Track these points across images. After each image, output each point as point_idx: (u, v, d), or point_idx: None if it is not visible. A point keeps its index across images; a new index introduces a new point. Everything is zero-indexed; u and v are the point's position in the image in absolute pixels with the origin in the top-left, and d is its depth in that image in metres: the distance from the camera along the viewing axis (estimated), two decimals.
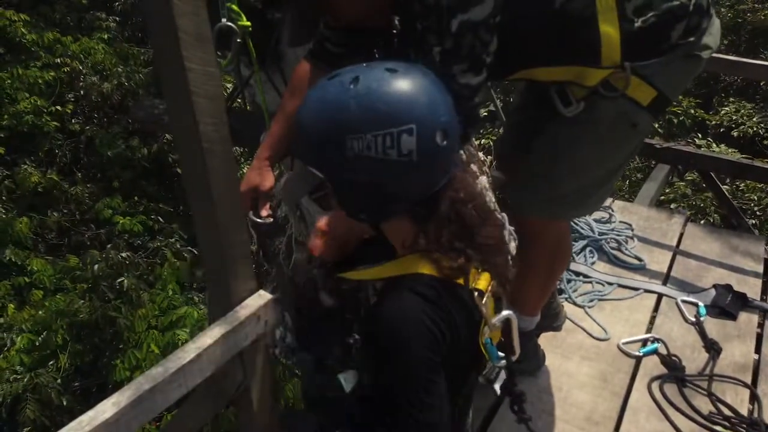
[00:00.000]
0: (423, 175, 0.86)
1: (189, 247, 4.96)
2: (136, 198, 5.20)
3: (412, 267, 0.88)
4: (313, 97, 0.86)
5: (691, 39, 1.13)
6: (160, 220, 5.16)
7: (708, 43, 1.16)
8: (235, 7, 1.24)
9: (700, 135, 5.20)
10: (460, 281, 0.89)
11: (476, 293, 0.88)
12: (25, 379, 3.23)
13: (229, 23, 1.29)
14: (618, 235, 2.18)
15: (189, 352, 0.86)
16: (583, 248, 2.11)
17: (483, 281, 0.91)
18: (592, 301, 1.88)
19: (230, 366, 0.96)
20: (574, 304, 1.86)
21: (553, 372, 1.62)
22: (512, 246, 2.11)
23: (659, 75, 1.14)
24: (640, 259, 2.10)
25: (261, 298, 0.96)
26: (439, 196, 0.88)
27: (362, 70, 0.85)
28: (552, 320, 1.65)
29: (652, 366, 1.66)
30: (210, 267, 0.92)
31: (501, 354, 0.97)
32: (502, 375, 1.10)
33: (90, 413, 0.77)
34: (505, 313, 0.94)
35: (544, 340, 1.68)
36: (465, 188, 0.90)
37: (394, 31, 1.13)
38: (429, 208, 0.88)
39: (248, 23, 1.26)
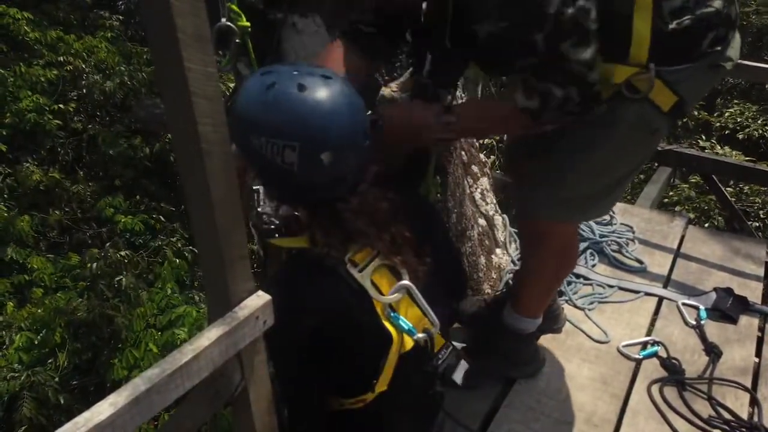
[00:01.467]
0: (303, 184, 0.97)
1: (190, 247, 4.97)
2: (137, 197, 5.21)
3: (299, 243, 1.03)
4: (245, 85, 1.00)
5: (718, 49, 1.13)
6: (162, 219, 5.16)
7: (731, 56, 1.16)
8: (234, 7, 1.24)
9: (704, 137, 5.19)
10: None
11: (348, 264, 1.00)
12: (23, 377, 3.22)
13: (229, 23, 1.29)
14: (619, 238, 2.18)
15: (186, 353, 0.86)
16: (584, 250, 2.11)
17: (360, 255, 1.02)
18: (592, 303, 1.87)
19: (229, 366, 0.96)
20: (575, 306, 1.86)
21: (553, 374, 1.61)
22: (512, 248, 2.12)
23: (684, 82, 1.13)
24: (641, 262, 2.10)
25: (260, 298, 0.95)
26: (327, 203, 1.00)
27: (284, 77, 0.95)
28: (552, 322, 1.65)
29: (652, 369, 1.66)
30: (208, 268, 0.91)
31: (410, 326, 1.05)
32: (462, 366, 1.15)
33: (86, 414, 0.76)
34: (401, 283, 1.04)
35: (544, 342, 1.68)
36: (360, 202, 1.01)
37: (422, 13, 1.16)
38: (314, 209, 1.01)
39: (248, 24, 1.26)
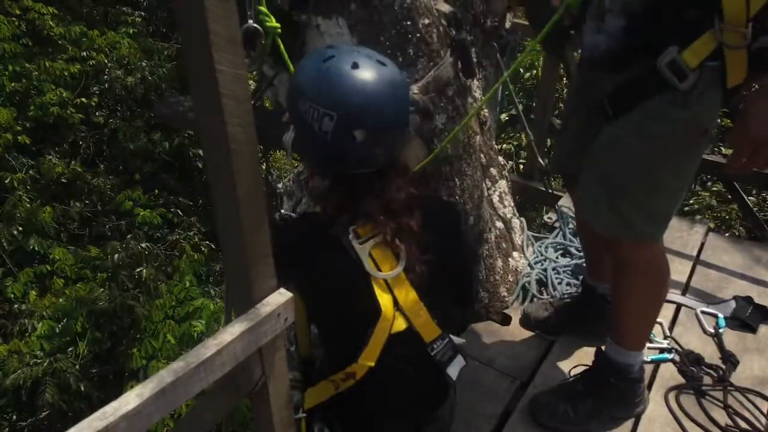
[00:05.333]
0: (333, 155, 1.02)
1: (207, 241, 5.04)
2: (156, 191, 5.30)
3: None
4: (308, 54, 1.07)
5: None
6: (179, 213, 5.25)
7: None
8: (264, 8, 1.26)
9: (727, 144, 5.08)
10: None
11: (351, 234, 1.05)
12: (45, 364, 3.31)
13: (256, 25, 1.31)
14: None
15: (210, 347, 0.88)
16: None
17: (364, 229, 1.06)
18: None
19: (250, 361, 0.98)
20: None
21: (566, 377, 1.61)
22: (529, 252, 2.11)
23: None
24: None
25: (281, 296, 0.97)
26: (351, 178, 1.05)
27: (343, 54, 1.00)
28: None
29: (669, 376, 1.65)
30: (232, 265, 0.93)
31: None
32: (458, 361, 1.15)
33: (114, 404, 0.79)
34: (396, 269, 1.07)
35: (561, 348, 1.68)
36: (381, 186, 1.06)
37: None
38: (337, 181, 1.08)
39: (278, 25, 1.28)
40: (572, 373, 1.56)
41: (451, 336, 1.16)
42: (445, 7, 1.63)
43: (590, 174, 1.31)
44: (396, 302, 1.08)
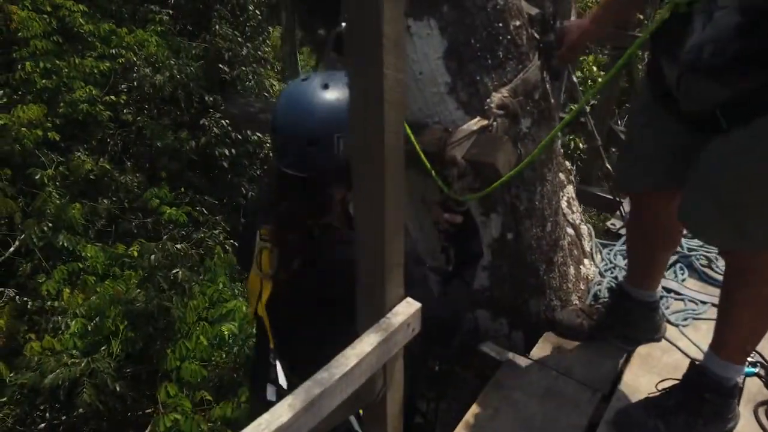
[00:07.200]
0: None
1: (231, 240, 5.02)
2: (182, 189, 5.29)
3: None
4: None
5: None
6: (204, 211, 5.24)
7: None
8: None
9: None
10: None
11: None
12: (83, 364, 3.30)
13: None
14: (708, 252, 2.12)
15: (350, 357, 0.85)
16: (673, 264, 2.06)
17: (265, 231, 1.19)
18: (686, 319, 1.83)
19: (375, 372, 0.95)
20: (668, 321, 1.81)
21: (650, 391, 1.57)
22: (598, 259, 2.05)
23: None
24: None
25: (410, 305, 0.94)
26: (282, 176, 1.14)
27: (315, 76, 1.12)
28: (653, 332, 1.61)
29: (756, 391, 1.61)
30: (367, 273, 0.90)
31: None
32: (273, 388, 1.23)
33: (266, 416, 0.77)
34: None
35: (639, 359, 1.64)
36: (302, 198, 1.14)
37: None
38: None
39: None
40: (660, 387, 1.52)
41: (280, 366, 1.25)
42: (532, 9, 1.60)
43: (700, 192, 1.25)
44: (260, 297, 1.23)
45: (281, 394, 1.22)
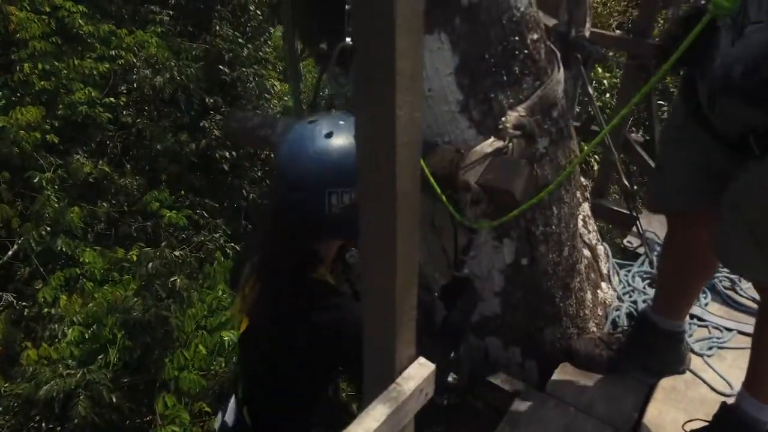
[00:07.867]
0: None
1: (232, 243, 4.93)
2: (182, 192, 5.20)
3: None
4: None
5: None
6: (205, 215, 5.15)
7: None
8: None
9: None
10: None
11: None
12: (78, 376, 3.22)
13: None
14: (731, 274, 2.02)
15: None
16: None
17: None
18: (711, 348, 1.73)
19: None
20: (692, 351, 1.71)
21: (676, 430, 1.47)
22: (615, 281, 1.95)
23: None
24: (757, 302, 1.93)
25: (423, 367, 0.84)
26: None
27: (323, 120, 1.07)
28: (678, 364, 1.51)
29: None
30: (374, 330, 0.80)
31: None
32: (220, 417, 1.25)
33: None
34: None
35: (663, 393, 1.55)
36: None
37: None
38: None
39: None
40: (688, 428, 1.42)
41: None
42: (549, 20, 1.49)
43: (734, 225, 1.17)
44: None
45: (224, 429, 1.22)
